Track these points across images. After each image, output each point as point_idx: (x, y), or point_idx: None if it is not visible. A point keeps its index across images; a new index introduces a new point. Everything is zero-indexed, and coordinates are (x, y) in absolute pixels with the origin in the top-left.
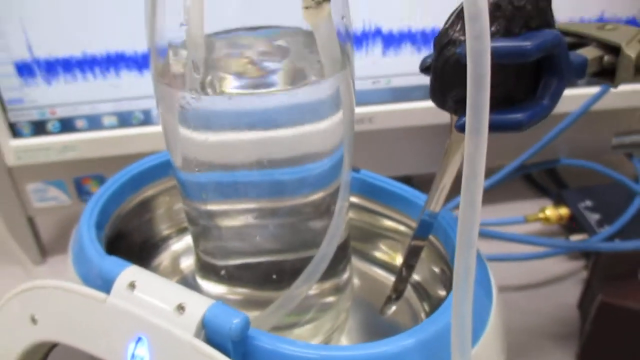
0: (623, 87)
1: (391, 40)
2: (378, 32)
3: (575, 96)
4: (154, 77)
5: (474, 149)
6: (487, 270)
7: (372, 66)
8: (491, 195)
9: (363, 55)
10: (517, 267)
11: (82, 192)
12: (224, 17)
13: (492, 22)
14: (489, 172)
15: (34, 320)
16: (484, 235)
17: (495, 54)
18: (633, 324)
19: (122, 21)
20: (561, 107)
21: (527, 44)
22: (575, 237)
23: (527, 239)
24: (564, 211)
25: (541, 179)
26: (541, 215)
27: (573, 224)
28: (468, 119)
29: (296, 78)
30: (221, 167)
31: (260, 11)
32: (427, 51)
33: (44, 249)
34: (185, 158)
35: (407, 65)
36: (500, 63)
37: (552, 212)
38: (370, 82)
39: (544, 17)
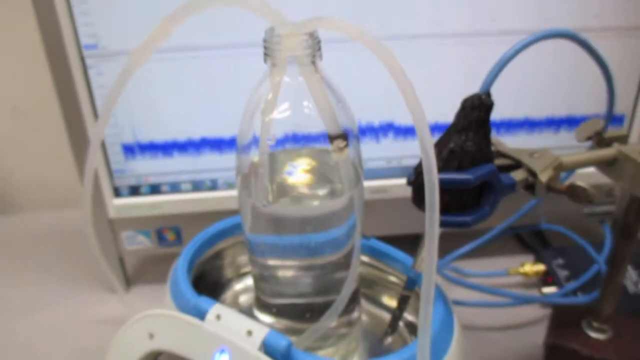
0: (589, 170)
1: (401, 132)
2: (391, 126)
3: None
4: (238, 189)
5: (429, 245)
6: (452, 313)
7: (387, 150)
8: (487, 250)
9: (380, 142)
10: (498, 312)
11: (161, 239)
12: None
13: (450, 161)
14: (481, 232)
15: (151, 336)
16: (467, 286)
17: (450, 183)
18: None
19: (198, 119)
20: None
21: (469, 177)
22: (547, 290)
23: (494, 290)
24: (539, 267)
25: (530, 239)
26: (521, 270)
27: (547, 278)
28: (426, 226)
29: (326, 187)
30: (275, 232)
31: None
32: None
33: (129, 280)
34: (252, 226)
35: (413, 150)
36: (454, 188)
37: (529, 267)
38: (385, 162)
39: (485, 155)
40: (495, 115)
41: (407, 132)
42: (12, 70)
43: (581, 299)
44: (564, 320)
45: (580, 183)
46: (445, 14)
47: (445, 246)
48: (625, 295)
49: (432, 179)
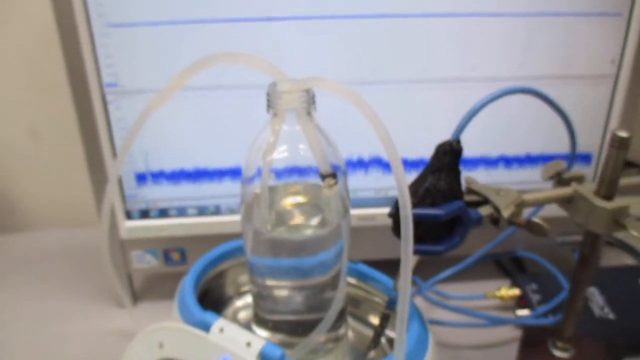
0: None
1: (388, 166)
2: (379, 160)
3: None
4: (242, 217)
5: (404, 269)
6: (427, 330)
7: (375, 182)
8: (468, 275)
9: (369, 174)
10: (475, 332)
11: (167, 259)
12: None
13: (425, 198)
14: (463, 258)
15: (161, 345)
16: (447, 308)
17: (424, 217)
18: None
19: (204, 151)
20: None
21: (441, 212)
22: (520, 312)
23: (471, 312)
24: (514, 291)
25: (508, 265)
26: (497, 293)
27: (521, 302)
28: (401, 255)
29: (318, 217)
30: (273, 255)
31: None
32: (411, 174)
33: (136, 296)
34: (253, 250)
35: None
36: (428, 221)
37: (505, 291)
38: (374, 192)
39: (456, 193)
40: (475, 152)
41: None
42: (35, 97)
43: (546, 320)
44: (532, 340)
45: (536, 219)
46: (430, 61)
47: (429, 270)
48: (592, 319)
49: (407, 214)
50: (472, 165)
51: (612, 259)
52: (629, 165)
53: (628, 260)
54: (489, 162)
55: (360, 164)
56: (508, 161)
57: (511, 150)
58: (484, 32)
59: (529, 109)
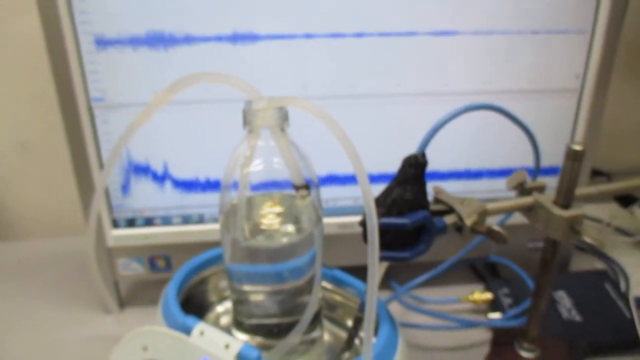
0: None
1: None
2: None
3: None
4: (220, 226)
5: (371, 275)
6: (397, 331)
7: (354, 191)
8: (444, 280)
9: (349, 187)
10: (449, 335)
11: (153, 266)
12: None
13: (392, 208)
14: (438, 263)
15: (145, 349)
16: (422, 312)
17: (391, 226)
18: None
19: (188, 163)
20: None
21: (406, 221)
22: (493, 315)
23: (444, 315)
24: (486, 296)
25: (483, 270)
26: (470, 297)
27: (494, 305)
28: (368, 260)
29: (292, 226)
30: (249, 262)
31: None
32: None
33: (122, 302)
34: (231, 257)
35: (376, 192)
36: (395, 230)
37: (477, 296)
38: (352, 201)
39: (421, 203)
40: (447, 165)
41: (371, 179)
42: (24, 110)
43: (513, 322)
44: (501, 341)
45: (495, 227)
46: (406, 77)
47: (406, 276)
48: (559, 321)
49: (372, 223)
50: (455, 177)
51: (582, 263)
52: (597, 174)
53: (597, 264)
54: (466, 175)
55: (338, 178)
56: (487, 173)
57: (488, 163)
58: (454, 49)
59: (506, 124)
